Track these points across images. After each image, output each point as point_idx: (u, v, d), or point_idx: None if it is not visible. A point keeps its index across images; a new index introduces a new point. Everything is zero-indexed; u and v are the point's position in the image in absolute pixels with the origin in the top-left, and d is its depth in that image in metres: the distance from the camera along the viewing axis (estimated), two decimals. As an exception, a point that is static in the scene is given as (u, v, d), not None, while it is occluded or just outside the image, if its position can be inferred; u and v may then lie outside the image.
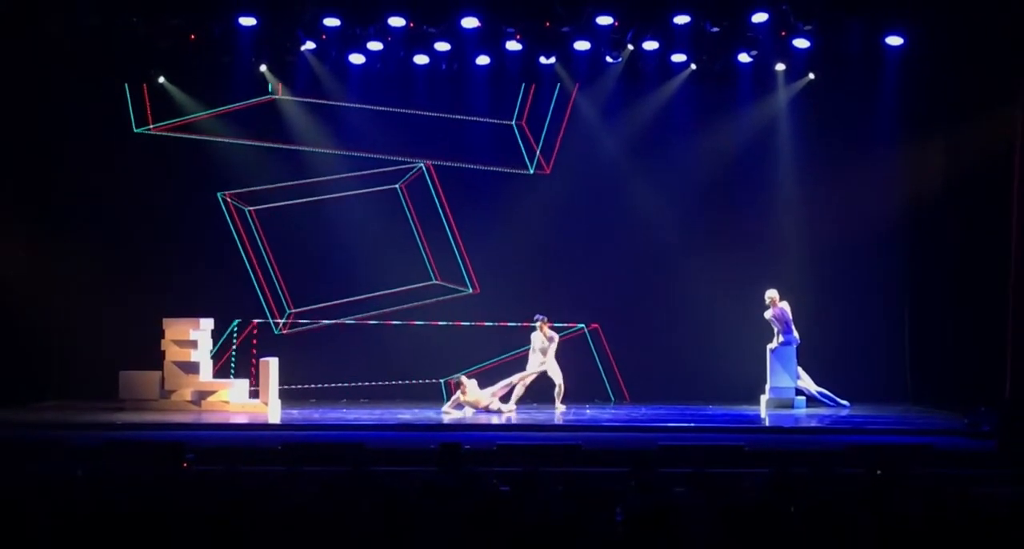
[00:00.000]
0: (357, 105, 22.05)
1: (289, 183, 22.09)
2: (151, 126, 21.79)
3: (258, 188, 22.13)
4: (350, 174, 22.15)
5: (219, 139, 21.96)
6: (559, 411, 19.95)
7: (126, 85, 21.62)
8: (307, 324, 22.17)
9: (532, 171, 22.24)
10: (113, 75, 21.37)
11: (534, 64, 21.48)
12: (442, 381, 21.85)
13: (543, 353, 20.15)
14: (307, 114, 22.16)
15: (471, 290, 22.38)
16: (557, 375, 20.16)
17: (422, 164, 22.33)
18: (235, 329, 21.63)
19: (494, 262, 22.15)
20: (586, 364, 21.91)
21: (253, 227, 22.15)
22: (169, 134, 21.82)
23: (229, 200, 22.10)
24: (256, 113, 22.02)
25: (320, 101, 21.99)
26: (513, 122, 22.25)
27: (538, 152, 22.23)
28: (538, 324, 20.24)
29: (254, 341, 21.88)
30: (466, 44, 20.70)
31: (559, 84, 22.04)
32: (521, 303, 21.58)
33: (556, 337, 20.33)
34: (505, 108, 22.26)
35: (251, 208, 22.11)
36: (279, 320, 22.07)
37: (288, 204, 22.08)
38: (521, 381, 20.02)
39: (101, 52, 20.69)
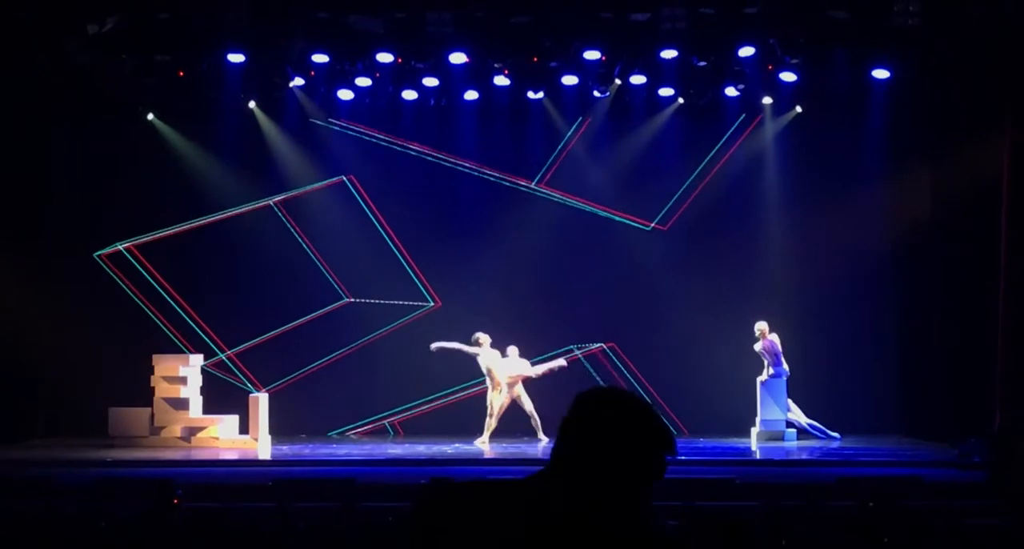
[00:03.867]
0: (341, 123, 22.15)
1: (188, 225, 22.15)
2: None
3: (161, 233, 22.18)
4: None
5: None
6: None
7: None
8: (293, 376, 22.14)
9: (533, 183, 22.35)
10: (102, 113, 21.38)
11: (522, 99, 21.56)
12: (387, 423, 21.97)
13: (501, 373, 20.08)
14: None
15: (432, 304, 22.34)
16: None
17: (343, 177, 22.38)
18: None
19: (484, 283, 22.08)
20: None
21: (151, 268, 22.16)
22: (159, 170, 21.90)
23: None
24: (245, 149, 22.12)
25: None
26: (534, 184, 22.34)
27: (537, 179, 22.33)
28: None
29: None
30: (454, 79, 20.76)
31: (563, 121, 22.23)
32: (499, 326, 21.65)
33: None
34: (493, 142, 22.33)
35: (127, 243, 22.05)
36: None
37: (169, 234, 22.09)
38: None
39: (90, 90, 20.71)
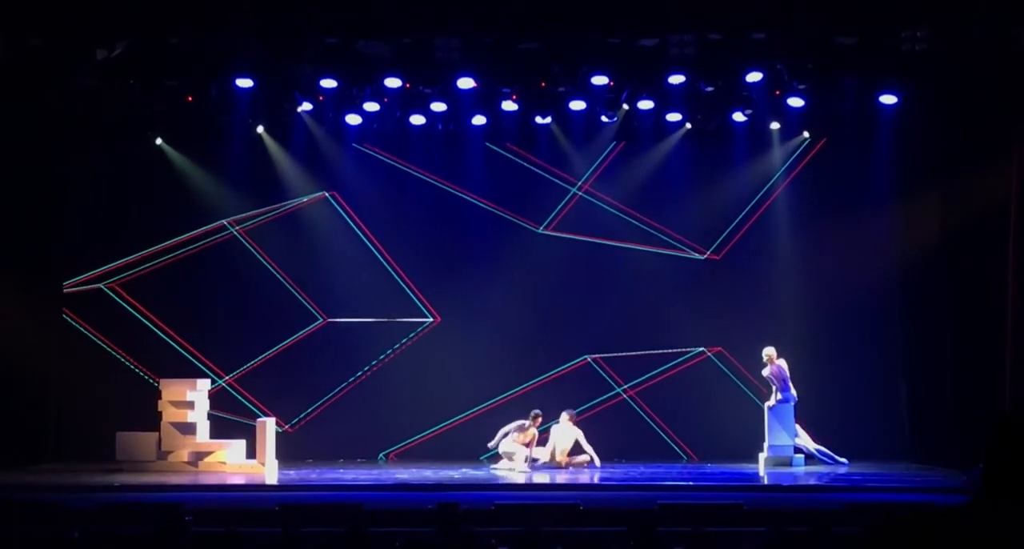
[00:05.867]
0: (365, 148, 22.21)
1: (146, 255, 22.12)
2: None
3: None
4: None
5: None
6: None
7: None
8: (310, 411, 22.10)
9: (541, 229, 22.36)
10: (110, 137, 21.42)
11: (530, 123, 21.60)
12: (381, 456, 21.90)
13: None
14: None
15: (431, 319, 22.30)
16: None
17: (326, 193, 22.40)
18: None
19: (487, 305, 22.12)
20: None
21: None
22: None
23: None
24: (253, 173, 22.13)
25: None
26: (542, 229, 22.32)
27: (553, 215, 22.34)
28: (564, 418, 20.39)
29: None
30: (462, 104, 20.80)
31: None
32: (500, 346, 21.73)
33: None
34: (500, 168, 22.35)
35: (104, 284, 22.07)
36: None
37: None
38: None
39: (98, 114, 20.76)
